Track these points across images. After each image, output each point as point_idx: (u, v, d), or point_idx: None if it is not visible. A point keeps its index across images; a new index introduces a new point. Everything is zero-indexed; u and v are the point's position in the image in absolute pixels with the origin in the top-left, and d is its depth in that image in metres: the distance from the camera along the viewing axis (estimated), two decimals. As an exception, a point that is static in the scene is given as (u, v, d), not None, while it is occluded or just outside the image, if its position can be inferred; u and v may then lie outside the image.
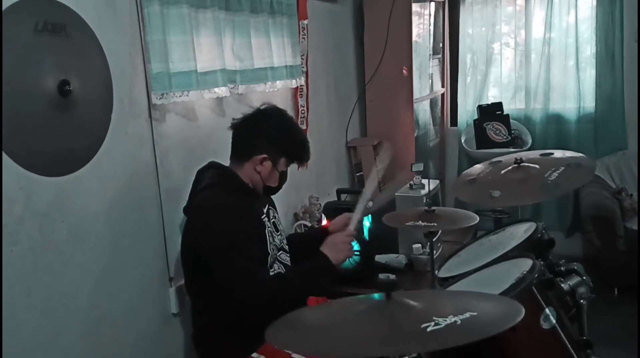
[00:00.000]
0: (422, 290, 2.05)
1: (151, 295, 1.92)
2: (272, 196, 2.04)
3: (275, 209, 2.06)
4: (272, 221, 1.97)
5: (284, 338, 1.04)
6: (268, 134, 1.87)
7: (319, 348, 0.96)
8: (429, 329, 0.92)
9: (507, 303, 1.07)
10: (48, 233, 1.53)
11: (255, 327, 1.42)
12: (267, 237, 1.86)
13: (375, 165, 2.07)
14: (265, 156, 1.86)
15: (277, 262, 1.91)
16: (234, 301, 1.71)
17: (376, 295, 1.07)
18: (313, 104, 3.05)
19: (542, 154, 1.79)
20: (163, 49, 1.84)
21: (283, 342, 1.03)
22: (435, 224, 1.96)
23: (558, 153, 1.79)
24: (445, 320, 0.94)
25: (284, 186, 1.98)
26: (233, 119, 1.92)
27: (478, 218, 1.99)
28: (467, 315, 0.96)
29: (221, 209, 1.77)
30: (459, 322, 0.94)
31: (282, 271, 1.90)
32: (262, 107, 1.92)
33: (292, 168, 1.98)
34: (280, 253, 1.95)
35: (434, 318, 0.95)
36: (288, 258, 1.99)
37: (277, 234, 1.98)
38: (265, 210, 1.95)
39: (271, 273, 1.85)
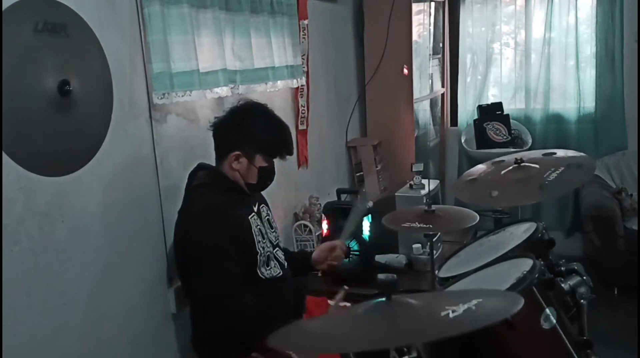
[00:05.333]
0: (421, 293, 2.03)
1: (151, 295, 1.92)
2: (266, 195, 2.04)
3: (268, 206, 2.05)
4: (265, 218, 1.97)
5: (285, 338, 1.03)
6: (240, 131, 1.85)
7: (323, 344, 0.95)
8: (451, 315, 0.90)
9: (506, 295, 1.07)
10: (48, 233, 1.53)
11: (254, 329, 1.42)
12: (255, 236, 1.85)
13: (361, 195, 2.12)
14: (238, 152, 1.84)
15: (273, 260, 1.91)
16: (199, 305, 1.78)
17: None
18: (313, 104, 3.05)
19: (544, 154, 1.79)
20: (164, 49, 1.84)
21: (284, 342, 1.02)
22: (432, 226, 1.95)
23: (560, 153, 1.78)
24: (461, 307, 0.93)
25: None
26: (215, 117, 1.92)
27: (478, 218, 1.98)
28: (475, 302, 0.95)
29: (206, 211, 1.77)
30: (474, 308, 0.93)
31: (279, 272, 1.91)
32: (238, 104, 1.90)
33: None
34: (276, 250, 1.96)
35: (447, 307, 0.94)
36: (283, 257, 2.00)
37: (272, 231, 1.98)
38: (255, 208, 1.94)
39: (267, 271, 1.86)
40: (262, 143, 1.85)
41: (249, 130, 1.84)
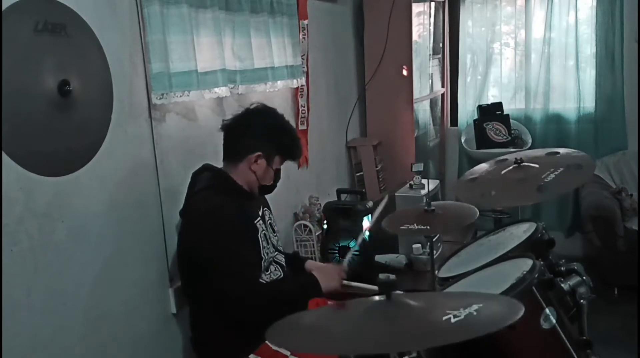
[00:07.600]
0: (420, 292, 2.02)
1: (151, 295, 1.92)
2: (266, 196, 2.04)
3: (270, 210, 2.06)
4: (268, 222, 1.97)
5: (283, 337, 1.02)
6: (261, 132, 1.88)
7: (323, 345, 0.94)
8: (452, 320, 0.90)
9: (505, 301, 1.07)
10: (48, 233, 1.53)
11: (253, 328, 1.42)
12: (260, 241, 1.86)
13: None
14: (259, 153, 1.86)
15: (273, 263, 1.91)
16: (230, 302, 1.74)
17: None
18: (313, 104, 3.05)
19: (547, 154, 1.78)
20: (163, 49, 1.84)
21: (283, 341, 1.01)
22: (429, 227, 1.93)
23: (563, 151, 1.78)
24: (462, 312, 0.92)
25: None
26: (223, 120, 1.92)
27: (478, 213, 1.97)
28: (475, 307, 0.95)
29: (215, 213, 1.77)
30: (475, 313, 0.92)
31: (280, 274, 1.91)
32: (251, 107, 1.93)
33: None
34: (276, 253, 1.96)
35: (447, 311, 0.93)
36: (283, 259, 2.00)
37: (274, 235, 1.98)
38: (260, 213, 1.95)
39: (267, 276, 1.86)
40: (281, 144, 1.90)
41: (270, 132, 1.88)
